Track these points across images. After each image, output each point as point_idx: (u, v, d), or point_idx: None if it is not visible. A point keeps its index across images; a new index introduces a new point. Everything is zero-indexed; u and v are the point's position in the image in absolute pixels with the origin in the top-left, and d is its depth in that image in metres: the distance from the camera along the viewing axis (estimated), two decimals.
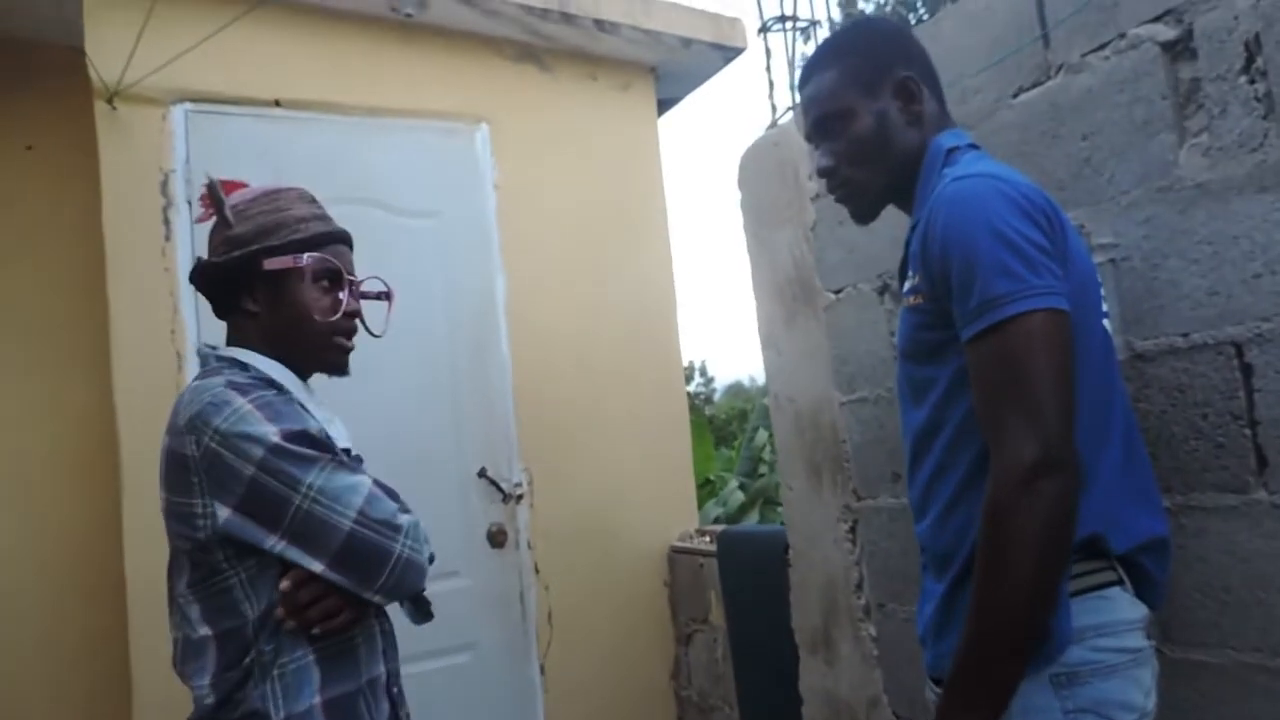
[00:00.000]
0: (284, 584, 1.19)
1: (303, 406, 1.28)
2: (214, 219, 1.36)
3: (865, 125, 1.26)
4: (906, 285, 1.22)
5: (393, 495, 1.45)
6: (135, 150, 2.63)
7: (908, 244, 1.25)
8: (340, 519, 1.18)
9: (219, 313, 1.37)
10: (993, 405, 1.04)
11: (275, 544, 1.18)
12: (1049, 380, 1.02)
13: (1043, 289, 1.04)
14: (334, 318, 1.34)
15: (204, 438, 1.17)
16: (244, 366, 1.30)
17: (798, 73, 2.75)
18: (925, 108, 1.27)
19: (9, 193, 2.88)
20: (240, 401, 1.19)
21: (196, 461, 1.18)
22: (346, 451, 1.36)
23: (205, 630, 1.21)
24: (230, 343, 1.36)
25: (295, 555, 1.18)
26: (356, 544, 1.18)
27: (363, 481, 1.22)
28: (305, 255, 1.31)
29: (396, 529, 1.21)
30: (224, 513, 1.18)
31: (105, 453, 2.60)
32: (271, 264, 1.31)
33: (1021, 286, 1.03)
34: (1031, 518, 0.99)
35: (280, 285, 1.32)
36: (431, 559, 1.39)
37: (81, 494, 2.79)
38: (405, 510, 1.28)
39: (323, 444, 1.23)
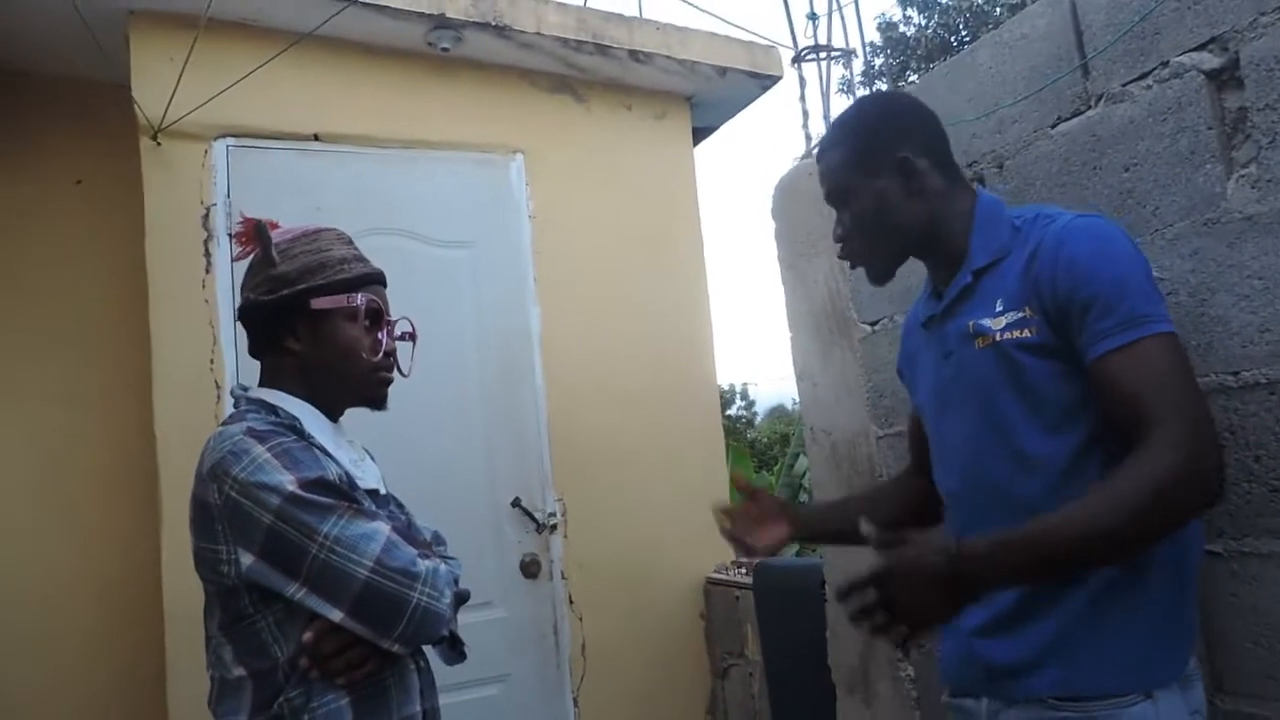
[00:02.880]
0: (307, 636, 1.19)
1: (324, 451, 1.28)
2: (253, 257, 1.37)
3: (864, 204, 1.33)
4: (1001, 322, 1.22)
5: (438, 539, 1.45)
6: (178, 184, 2.69)
7: (970, 287, 1.28)
8: (356, 568, 1.17)
9: (255, 351, 1.38)
10: (1154, 395, 1.07)
11: (296, 592, 1.18)
12: (1199, 391, 1.10)
13: (1170, 320, 1.12)
14: (378, 357, 1.36)
15: (224, 486, 1.18)
16: (271, 409, 1.31)
17: (832, 101, 2.74)
18: (927, 181, 1.31)
19: (59, 225, 2.96)
20: (259, 450, 1.19)
21: (219, 509, 1.19)
22: (375, 493, 1.36)
23: (240, 671, 1.21)
24: (263, 382, 1.37)
25: (315, 604, 1.18)
26: (372, 593, 1.17)
27: (379, 529, 1.21)
28: (359, 295, 1.34)
29: (414, 577, 1.20)
30: (247, 560, 1.18)
31: (146, 482, 2.64)
32: (320, 303, 1.33)
33: (1165, 313, 1.12)
34: (1184, 498, 1.05)
35: (326, 324, 1.34)
36: (466, 597, 1.38)
37: (123, 523, 2.84)
38: (429, 555, 1.27)
39: (341, 491, 1.23)
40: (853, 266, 1.43)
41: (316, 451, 1.26)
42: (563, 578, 3.04)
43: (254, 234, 1.36)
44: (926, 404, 1.41)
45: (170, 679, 2.47)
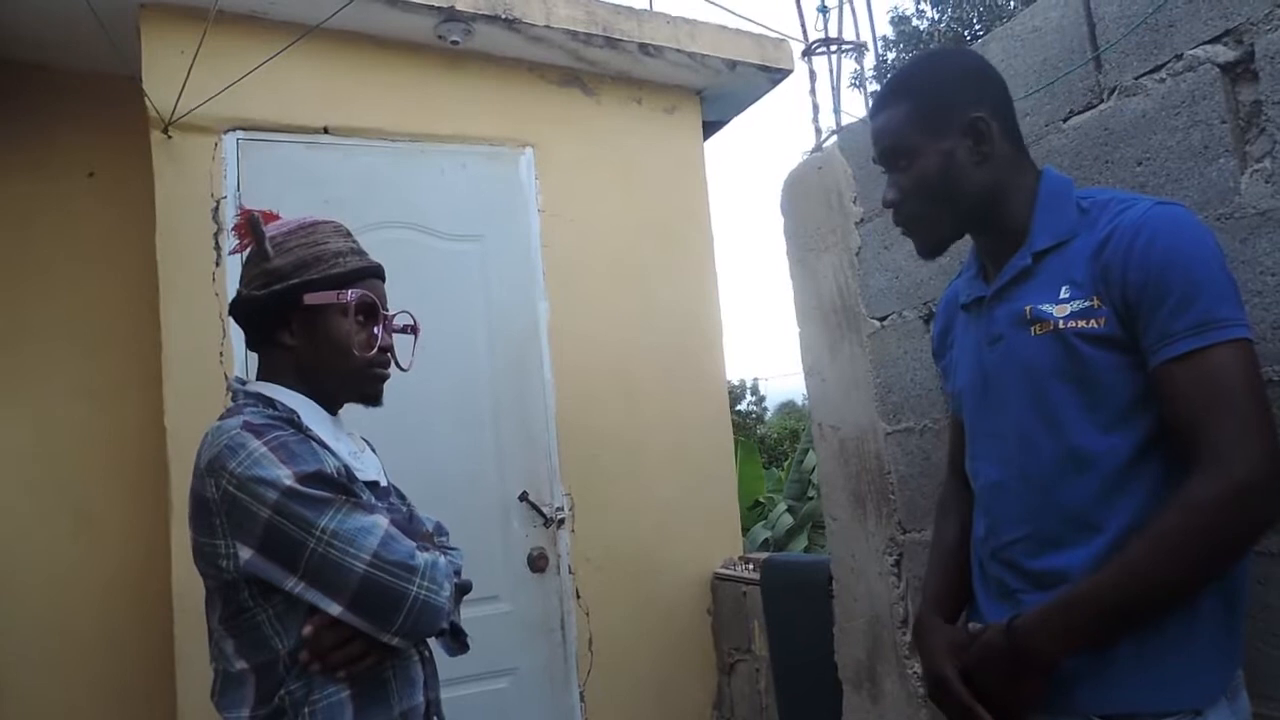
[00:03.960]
0: (306, 629, 1.18)
1: (322, 444, 1.28)
2: (249, 251, 1.37)
3: (930, 165, 1.24)
4: (1066, 310, 1.16)
5: (440, 529, 1.45)
6: (189, 177, 2.69)
7: (1029, 269, 1.21)
8: (354, 562, 1.17)
9: (252, 345, 1.38)
10: (1212, 414, 1.04)
11: (295, 585, 1.18)
12: (1266, 405, 1.05)
13: (1246, 323, 1.07)
14: (371, 353, 1.35)
15: (222, 481, 1.18)
16: (269, 402, 1.30)
17: (842, 96, 2.72)
18: (996, 147, 1.23)
19: (72, 219, 2.98)
20: (255, 444, 1.19)
21: (217, 504, 1.19)
22: (375, 485, 1.36)
23: (242, 664, 1.21)
24: (261, 376, 1.37)
25: (314, 597, 1.18)
26: (371, 587, 1.17)
27: (377, 523, 1.21)
28: (349, 291, 1.32)
29: (412, 570, 1.20)
30: (246, 553, 1.18)
31: (156, 474, 2.65)
32: (312, 299, 1.31)
33: (1241, 315, 1.07)
34: (1235, 527, 1.02)
35: (319, 319, 1.33)
36: (468, 588, 1.38)
37: (133, 515, 2.86)
38: (429, 548, 1.27)
39: (339, 484, 1.22)
40: (905, 234, 1.33)
41: (314, 445, 1.25)
42: (570, 572, 3.04)
43: (248, 227, 1.35)
44: (965, 390, 1.34)
45: (179, 671, 2.48)
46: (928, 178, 1.24)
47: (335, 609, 1.17)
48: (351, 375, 1.35)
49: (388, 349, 1.39)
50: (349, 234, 1.41)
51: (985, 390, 1.28)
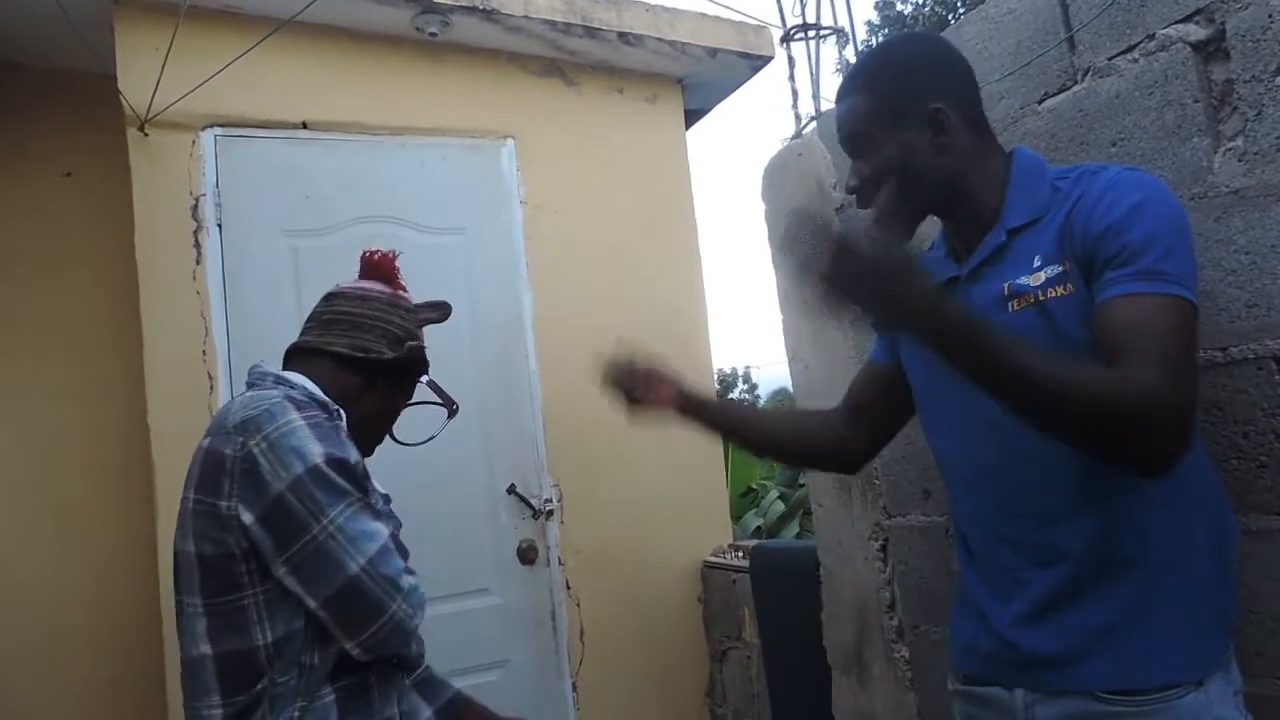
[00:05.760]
0: None
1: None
2: (375, 294, 1.44)
3: (888, 156, 1.22)
4: (1040, 278, 1.15)
5: (385, 499, 1.45)
6: (167, 175, 2.67)
7: (1004, 247, 1.20)
8: (349, 562, 1.17)
9: (328, 362, 1.37)
10: (1140, 341, 1.00)
11: (280, 568, 1.17)
12: (1193, 358, 1.03)
13: (1195, 292, 1.05)
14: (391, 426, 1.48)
15: (250, 441, 1.17)
16: (302, 389, 1.31)
17: (822, 82, 2.71)
18: (957, 137, 1.20)
19: (50, 219, 2.95)
20: (294, 415, 1.20)
21: (235, 461, 1.17)
22: (386, 496, 1.39)
23: (205, 648, 1.18)
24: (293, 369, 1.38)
25: (293, 584, 1.17)
26: (355, 591, 1.17)
27: (380, 531, 1.22)
28: (425, 377, 1.47)
29: (397, 589, 1.20)
30: (248, 517, 1.16)
31: (141, 475, 2.63)
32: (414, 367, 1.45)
33: (1190, 280, 1.05)
34: (1098, 415, 0.98)
35: (402, 387, 1.45)
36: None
37: (118, 516, 2.84)
38: (413, 572, 1.27)
39: (358, 479, 1.23)
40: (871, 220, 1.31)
41: (344, 436, 1.27)
42: (560, 563, 3.04)
43: (393, 268, 1.49)
44: (941, 374, 1.28)
45: (169, 672, 2.47)
46: (887, 168, 1.23)
47: (310, 602, 1.17)
48: (372, 433, 1.43)
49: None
50: None
51: None
